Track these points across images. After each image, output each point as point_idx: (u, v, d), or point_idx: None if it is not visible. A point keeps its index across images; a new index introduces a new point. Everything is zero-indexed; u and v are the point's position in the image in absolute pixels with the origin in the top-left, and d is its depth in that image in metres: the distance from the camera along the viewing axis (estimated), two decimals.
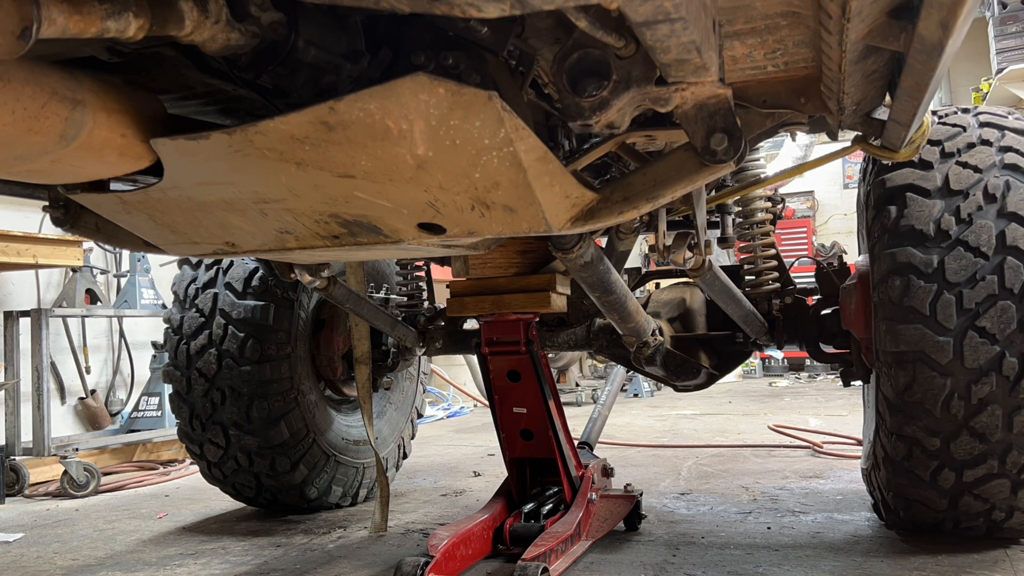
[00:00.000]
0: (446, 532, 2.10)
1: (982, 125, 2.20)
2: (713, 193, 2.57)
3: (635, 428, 5.47)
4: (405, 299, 3.07)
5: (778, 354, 10.15)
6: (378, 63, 1.18)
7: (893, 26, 1.20)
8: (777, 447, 4.30)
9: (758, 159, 2.48)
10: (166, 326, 2.97)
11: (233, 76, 1.15)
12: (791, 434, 4.51)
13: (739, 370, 9.50)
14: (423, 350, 2.95)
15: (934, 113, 2.29)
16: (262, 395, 2.79)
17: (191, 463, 4.21)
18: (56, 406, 4.96)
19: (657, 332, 2.40)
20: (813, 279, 2.69)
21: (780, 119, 1.56)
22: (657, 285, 3.20)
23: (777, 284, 2.67)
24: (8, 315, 4.03)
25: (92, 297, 5.10)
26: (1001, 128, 2.18)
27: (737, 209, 2.69)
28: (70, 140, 1.09)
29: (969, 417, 1.99)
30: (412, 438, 3.57)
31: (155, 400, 4.66)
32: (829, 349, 2.65)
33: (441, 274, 3.99)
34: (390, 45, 1.19)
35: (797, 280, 2.72)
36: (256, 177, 1.24)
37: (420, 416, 3.67)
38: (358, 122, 1.08)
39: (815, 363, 3.18)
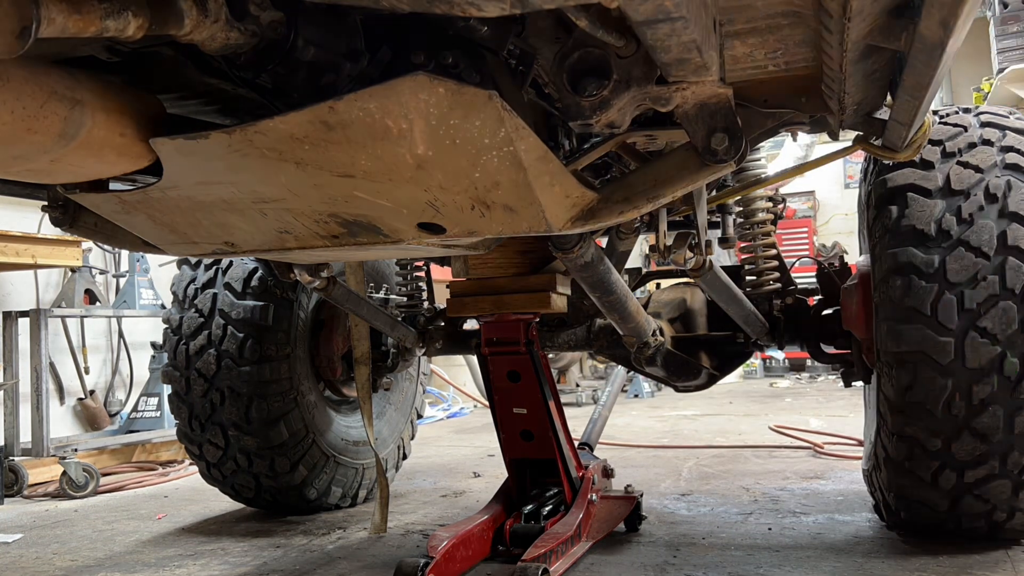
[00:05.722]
0: (446, 533, 2.10)
1: (983, 125, 2.19)
2: (714, 193, 2.56)
3: (635, 429, 5.46)
4: (405, 299, 3.07)
5: (779, 354, 10.15)
6: (378, 62, 1.18)
7: (894, 25, 1.20)
8: (778, 448, 4.29)
9: (759, 159, 2.47)
10: (165, 326, 2.97)
11: (232, 75, 1.15)
12: (792, 435, 4.50)
13: (740, 371, 9.49)
14: (423, 350, 2.94)
15: (935, 113, 2.28)
16: (261, 395, 2.78)
17: (190, 464, 4.20)
18: (55, 406, 4.96)
19: (658, 332, 2.39)
20: (814, 279, 2.68)
21: (781, 119, 1.56)
22: (658, 285, 3.20)
23: (778, 284, 2.66)
24: (7, 315, 4.02)
25: (91, 297, 5.10)
26: (1002, 128, 2.17)
27: (738, 209, 2.68)
28: (69, 139, 1.08)
29: (971, 418, 1.99)
30: (412, 439, 3.57)
31: (154, 401, 4.65)
32: (830, 349, 2.65)
33: (441, 274, 3.99)
34: (390, 44, 1.19)
35: (798, 280, 2.71)
36: (256, 177, 1.24)
37: (420, 417, 3.66)
38: (358, 122, 1.07)
39: (816, 364, 3.17)
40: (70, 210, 1.64)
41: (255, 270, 2.85)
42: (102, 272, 5.41)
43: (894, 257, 2.07)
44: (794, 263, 2.83)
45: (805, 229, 11.47)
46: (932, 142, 2.15)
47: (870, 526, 2.52)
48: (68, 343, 5.10)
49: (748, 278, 2.70)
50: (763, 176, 2.42)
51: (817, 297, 2.68)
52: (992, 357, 1.96)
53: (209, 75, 1.21)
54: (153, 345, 4.86)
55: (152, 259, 5.29)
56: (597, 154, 1.74)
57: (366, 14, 1.16)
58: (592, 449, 2.98)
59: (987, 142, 2.13)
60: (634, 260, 9.52)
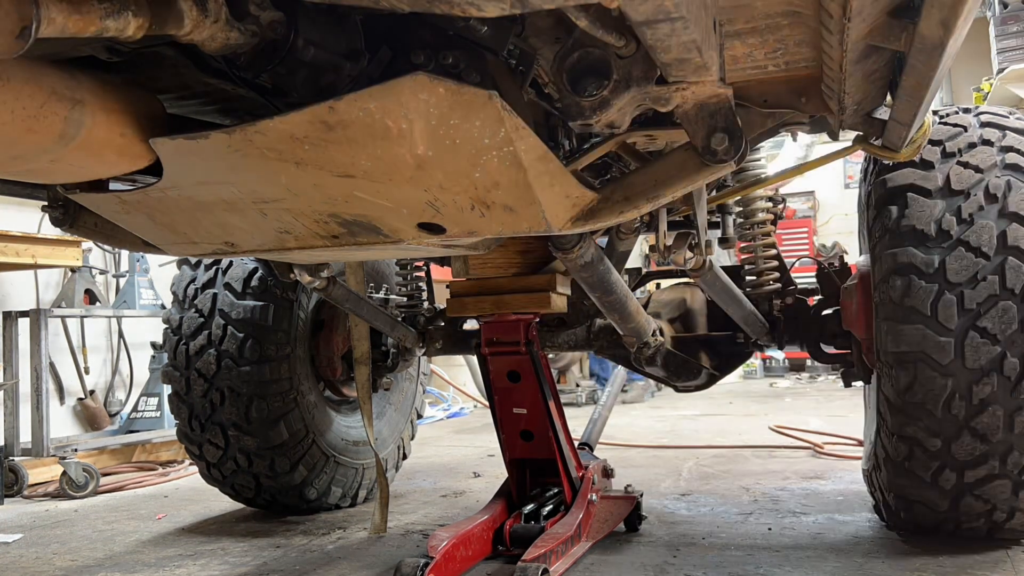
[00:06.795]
0: (446, 533, 2.10)
1: (983, 125, 2.19)
2: (714, 193, 2.56)
3: (636, 429, 5.46)
4: (405, 299, 3.07)
5: (779, 355, 10.13)
6: (378, 62, 1.18)
7: (894, 25, 1.20)
8: (778, 448, 4.29)
9: (759, 159, 2.47)
10: (165, 326, 2.97)
11: (232, 75, 1.15)
12: (792, 435, 4.50)
13: (740, 371, 9.47)
14: (423, 350, 2.94)
15: (935, 113, 2.28)
16: (261, 395, 2.78)
17: (190, 464, 4.20)
18: (55, 406, 4.95)
19: (658, 332, 2.39)
20: (814, 279, 2.68)
21: (781, 119, 1.56)
22: (658, 285, 3.20)
23: (778, 284, 2.66)
24: (7, 315, 4.02)
25: (91, 297, 5.10)
26: (1002, 128, 2.17)
27: (738, 209, 2.68)
28: (69, 139, 1.08)
29: (970, 417, 1.99)
30: (412, 439, 3.57)
31: (154, 401, 4.65)
32: (830, 349, 2.65)
33: (441, 274, 3.99)
34: (390, 44, 1.19)
35: (798, 280, 2.71)
36: (255, 177, 1.24)
37: (420, 417, 3.66)
38: (358, 121, 1.07)
39: (816, 364, 3.17)
40: (70, 210, 1.64)
41: (255, 270, 2.85)
42: (102, 272, 5.41)
43: (894, 257, 2.07)
44: (794, 263, 2.82)
45: (805, 229, 11.46)
46: (932, 142, 2.15)
47: (870, 526, 2.52)
48: (68, 343, 5.09)
49: (748, 278, 2.70)
50: (763, 176, 2.42)
51: (817, 297, 2.68)
52: (992, 357, 1.96)
53: (209, 75, 1.21)
54: (153, 345, 4.86)
55: (152, 259, 5.29)
56: (597, 154, 1.74)
57: (366, 14, 1.16)
58: (592, 449, 2.98)
59: (987, 142, 2.13)
60: (634, 260, 9.50)
